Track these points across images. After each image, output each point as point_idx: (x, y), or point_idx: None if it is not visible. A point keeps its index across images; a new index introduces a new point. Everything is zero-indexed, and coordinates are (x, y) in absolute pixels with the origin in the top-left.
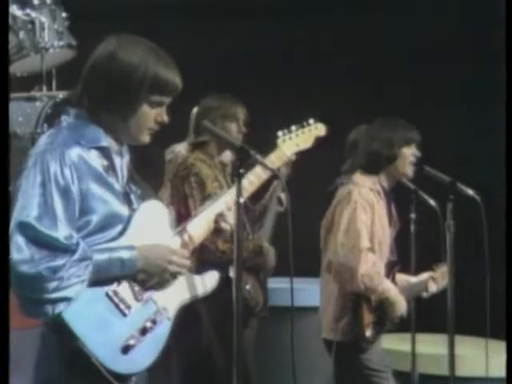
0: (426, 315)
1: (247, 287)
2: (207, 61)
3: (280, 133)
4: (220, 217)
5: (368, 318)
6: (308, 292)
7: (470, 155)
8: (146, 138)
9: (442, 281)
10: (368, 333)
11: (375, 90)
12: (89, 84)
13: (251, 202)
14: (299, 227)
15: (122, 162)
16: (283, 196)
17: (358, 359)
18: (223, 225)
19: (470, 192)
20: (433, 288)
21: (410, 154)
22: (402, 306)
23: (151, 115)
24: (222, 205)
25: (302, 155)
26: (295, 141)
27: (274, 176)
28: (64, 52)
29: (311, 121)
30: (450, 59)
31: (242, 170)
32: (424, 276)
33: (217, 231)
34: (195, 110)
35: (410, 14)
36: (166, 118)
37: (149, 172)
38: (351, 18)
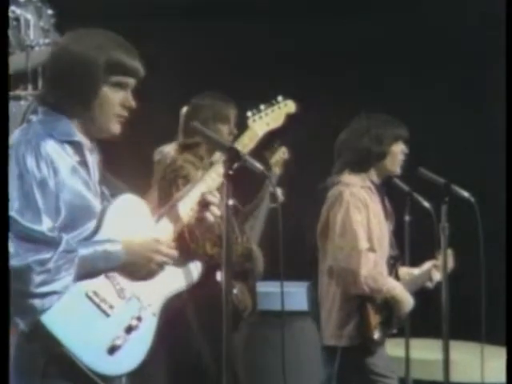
0: (420, 320)
1: (234, 291)
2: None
3: (249, 113)
4: (203, 206)
5: (375, 319)
6: (300, 296)
7: (465, 156)
8: (115, 127)
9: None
10: (376, 335)
11: (371, 89)
12: (48, 80)
13: (240, 203)
14: (291, 229)
15: (94, 160)
16: (276, 191)
17: (364, 364)
18: (207, 214)
19: (465, 194)
20: (437, 276)
21: (398, 150)
22: (408, 302)
23: (115, 99)
24: (203, 189)
25: (293, 156)
26: (265, 120)
27: (264, 176)
28: (50, 50)
29: (280, 98)
30: (450, 59)
31: (231, 172)
32: (427, 265)
33: (199, 219)
34: (185, 109)
35: (409, 14)
36: (133, 103)
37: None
38: (352, 17)
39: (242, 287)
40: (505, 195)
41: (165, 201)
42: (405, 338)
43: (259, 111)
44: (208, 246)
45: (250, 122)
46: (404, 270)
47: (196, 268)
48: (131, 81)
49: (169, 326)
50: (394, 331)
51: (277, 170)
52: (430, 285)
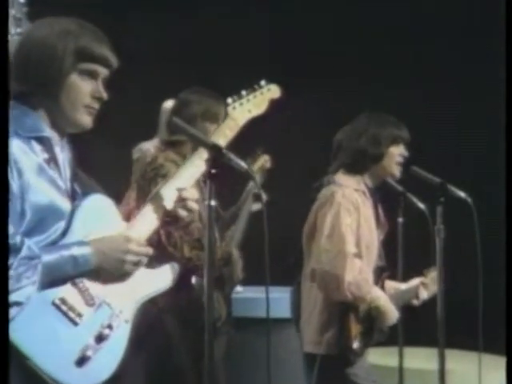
0: (414, 327)
1: None
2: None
3: (229, 100)
4: (179, 203)
5: (355, 328)
6: (285, 302)
7: (460, 155)
8: (84, 119)
9: (434, 286)
10: (355, 345)
11: (362, 75)
12: (14, 71)
13: (221, 206)
14: (277, 231)
15: (64, 157)
16: (261, 192)
17: (343, 374)
18: (180, 211)
19: (462, 194)
20: (424, 295)
21: (397, 153)
22: (392, 314)
23: (84, 88)
24: (180, 185)
25: (279, 155)
26: (247, 107)
27: (248, 176)
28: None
29: (263, 82)
30: (450, 58)
31: (214, 171)
32: (414, 282)
33: (173, 217)
34: (169, 103)
35: (408, 13)
36: (104, 94)
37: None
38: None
39: (217, 295)
40: (504, 195)
41: (143, 200)
42: (398, 347)
43: (240, 97)
44: (186, 249)
45: (229, 109)
46: (390, 284)
47: (172, 270)
48: (101, 69)
49: (144, 333)
50: (380, 340)
51: (258, 179)
52: (416, 302)
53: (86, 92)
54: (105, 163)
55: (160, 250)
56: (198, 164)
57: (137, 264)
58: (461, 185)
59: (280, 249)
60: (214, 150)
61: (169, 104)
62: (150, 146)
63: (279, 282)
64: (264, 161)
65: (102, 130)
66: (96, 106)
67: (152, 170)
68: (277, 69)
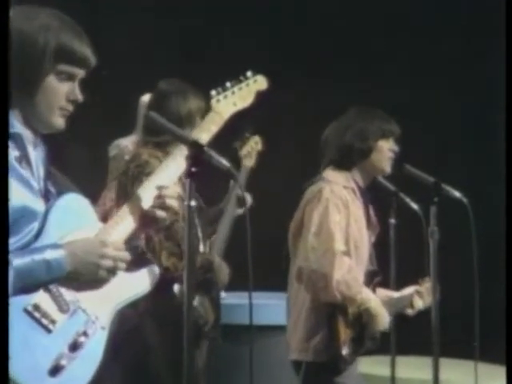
0: (408, 335)
1: (194, 304)
2: None
3: (213, 92)
4: (156, 201)
5: (345, 333)
6: (272, 308)
7: (456, 155)
8: (58, 121)
9: (429, 296)
10: (345, 351)
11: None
12: None
13: (205, 202)
14: (261, 232)
15: (37, 155)
16: (245, 193)
17: (332, 383)
18: (158, 211)
19: (457, 194)
20: (419, 304)
21: (387, 148)
22: (384, 318)
23: (60, 90)
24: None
25: (263, 151)
26: (232, 99)
27: (230, 175)
28: None
29: (249, 73)
30: (449, 58)
31: (194, 169)
32: (408, 290)
33: (151, 218)
34: (146, 97)
35: (407, 14)
36: (80, 96)
37: None
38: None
39: (203, 299)
40: (502, 195)
41: (124, 200)
42: (390, 355)
43: (224, 89)
44: (164, 256)
45: (213, 102)
46: (382, 292)
47: (151, 273)
48: (80, 71)
49: (122, 340)
50: (371, 348)
51: (248, 163)
52: (410, 312)
53: (62, 94)
54: (80, 161)
55: (140, 255)
56: (180, 161)
57: (113, 270)
58: (456, 184)
59: (268, 252)
60: (194, 146)
61: (147, 98)
62: (127, 143)
63: (268, 288)
64: (254, 143)
65: (76, 126)
66: (71, 108)
67: (136, 167)
68: (263, 58)
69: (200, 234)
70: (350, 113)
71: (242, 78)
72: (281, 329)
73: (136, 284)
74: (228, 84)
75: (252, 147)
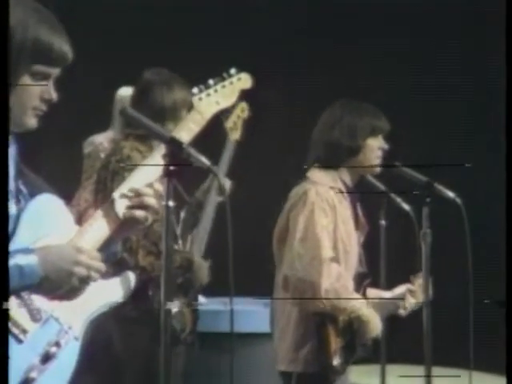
0: (399, 343)
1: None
2: None
3: (195, 89)
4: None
5: (335, 342)
6: (255, 315)
7: (450, 151)
8: (31, 121)
9: (422, 294)
10: (336, 361)
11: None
12: None
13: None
14: (245, 233)
15: (9, 154)
16: (226, 183)
17: None
18: (137, 212)
19: (451, 194)
20: (411, 303)
21: (376, 146)
22: (376, 325)
23: (35, 90)
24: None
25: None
26: (214, 98)
27: (211, 173)
28: None
29: (233, 71)
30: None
31: (172, 168)
32: (400, 289)
33: (130, 220)
34: (124, 90)
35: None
36: (54, 96)
37: None
38: None
39: (182, 303)
40: (504, 196)
41: (103, 196)
42: (380, 364)
43: (207, 87)
44: (140, 255)
45: (195, 100)
46: (372, 292)
47: (127, 281)
48: (56, 70)
49: (96, 352)
50: (363, 357)
51: (235, 135)
52: (402, 312)
53: (36, 94)
54: (53, 159)
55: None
56: (159, 159)
57: (85, 279)
58: (448, 184)
59: (251, 254)
60: (173, 144)
61: (124, 91)
62: (102, 139)
63: (251, 293)
64: (240, 111)
65: (49, 123)
66: (44, 107)
67: (117, 161)
68: (248, 55)
69: (179, 232)
70: (336, 107)
71: (225, 75)
72: (264, 337)
73: (111, 292)
74: (211, 81)
75: (238, 116)
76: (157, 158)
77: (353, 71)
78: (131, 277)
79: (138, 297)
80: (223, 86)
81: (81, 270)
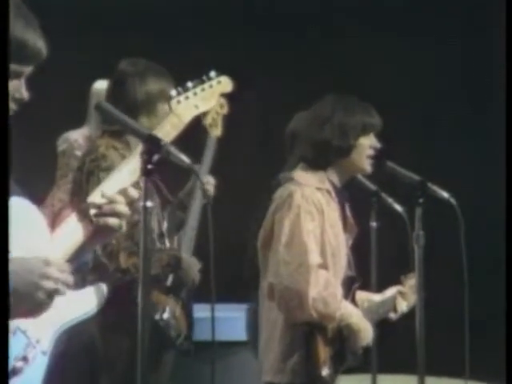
0: (390, 351)
1: (165, 316)
2: None
3: (173, 92)
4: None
5: (324, 352)
6: (237, 322)
7: (445, 150)
8: None
9: (414, 296)
10: (325, 371)
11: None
12: None
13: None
14: (227, 236)
15: None
16: (209, 182)
17: None
18: (110, 219)
19: (445, 194)
20: (403, 306)
21: (367, 144)
22: (367, 333)
23: None
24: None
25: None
26: (193, 101)
27: (191, 171)
28: None
29: (212, 74)
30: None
31: (150, 166)
32: (390, 292)
33: (103, 228)
34: (100, 84)
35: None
36: (25, 95)
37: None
38: None
39: (174, 306)
40: (504, 197)
41: (79, 199)
42: (371, 374)
43: (186, 89)
44: (122, 257)
45: (173, 103)
46: (362, 296)
47: (99, 292)
48: (29, 68)
49: (68, 366)
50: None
51: (215, 132)
52: (393, 316)
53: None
54: (25, 158)
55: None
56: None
57: (53, 293)
58: (443, 185)
59: (234, 259)
60: (151, 141)
61: (100, 84)
62: (77, 136)
63: (233, 299)
64: (219, 107)
65: (20, 119)
66: (15, 107)
67: (92, 161)
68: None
69: (165, 230)
70: (326, 103)
71: (204, 78)
72: (246, 345)
73: (82, 303)
74: (189, 84)
75: (217, 112)
76: (136, 159)
77: (342, 68)
78: (103, 288)
79: (120, 301)
80: (203, 89)
81: (48, 284)
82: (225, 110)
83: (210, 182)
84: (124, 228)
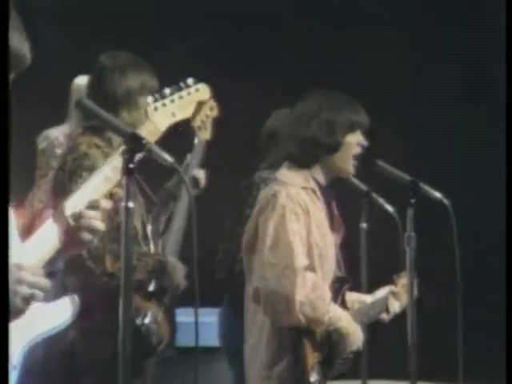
0: (381, 356)
1: (146, 321)
2: None
3: (150, 98)
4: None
5: (312, 357)
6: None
7: (439, 150)
8: None
9: (406, 295)
10: (313, 377)
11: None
12: None
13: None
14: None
15: None
16: (200, 174)
17: None
18: (84, 234)
19: (437, 194)
20: (395, 306)
21: (354, 142)
22: (357, 337)
23: None
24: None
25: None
26: (171, 109)
27: (174, 170)
28: None
29: (190, 81)
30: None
31: (132, 165)
32: (382, 292)
33: (76, 239)
34: (82, 79)
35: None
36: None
37: None
38: None
39: (157, 312)
40: (504, 199)
41: (61, 199)
42: (361, 380)
43: (163, 97)
44: (108, 261)
45: (150, 110)
46: (353, 297)
47: (72, 303)
48: (11, 76)
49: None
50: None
51: (203, 135)
52: (385, 317)
53: None
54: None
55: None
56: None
57: (28, 298)
58: (433, 184)
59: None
60: (133, 139)
61: (81, 80)
62: (58, 134)
63: (217, 304)
64: (209, 109)
65: None
66: None
67: (73, 160)
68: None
69: (149, 233)
70: (313, 99)
71: (182, 85)
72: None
73: (54, 316)
74: (167, 91)
75: (207, 115)
76: (117, 159)
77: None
78: (76, 299)
79: (103, 306)
80: (180, 97)
81: (23, 289)
82: (215, 113)
83: (200, 175)
84: (95, 242)
